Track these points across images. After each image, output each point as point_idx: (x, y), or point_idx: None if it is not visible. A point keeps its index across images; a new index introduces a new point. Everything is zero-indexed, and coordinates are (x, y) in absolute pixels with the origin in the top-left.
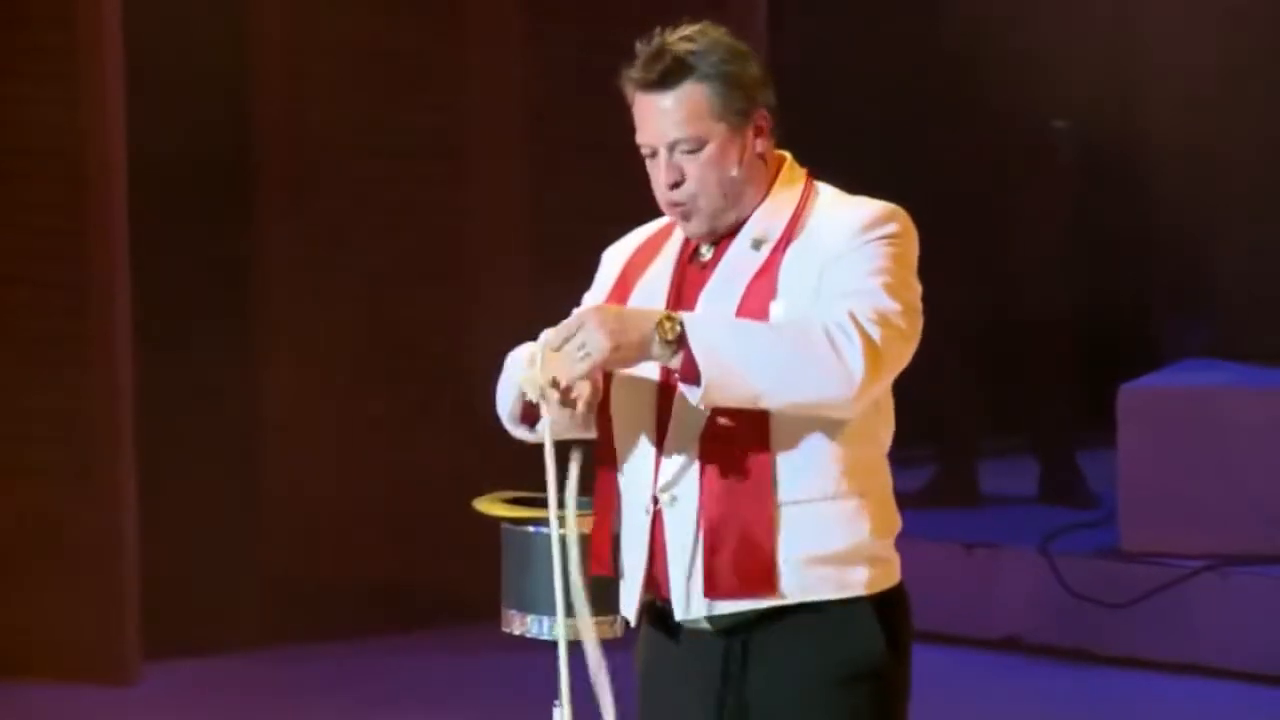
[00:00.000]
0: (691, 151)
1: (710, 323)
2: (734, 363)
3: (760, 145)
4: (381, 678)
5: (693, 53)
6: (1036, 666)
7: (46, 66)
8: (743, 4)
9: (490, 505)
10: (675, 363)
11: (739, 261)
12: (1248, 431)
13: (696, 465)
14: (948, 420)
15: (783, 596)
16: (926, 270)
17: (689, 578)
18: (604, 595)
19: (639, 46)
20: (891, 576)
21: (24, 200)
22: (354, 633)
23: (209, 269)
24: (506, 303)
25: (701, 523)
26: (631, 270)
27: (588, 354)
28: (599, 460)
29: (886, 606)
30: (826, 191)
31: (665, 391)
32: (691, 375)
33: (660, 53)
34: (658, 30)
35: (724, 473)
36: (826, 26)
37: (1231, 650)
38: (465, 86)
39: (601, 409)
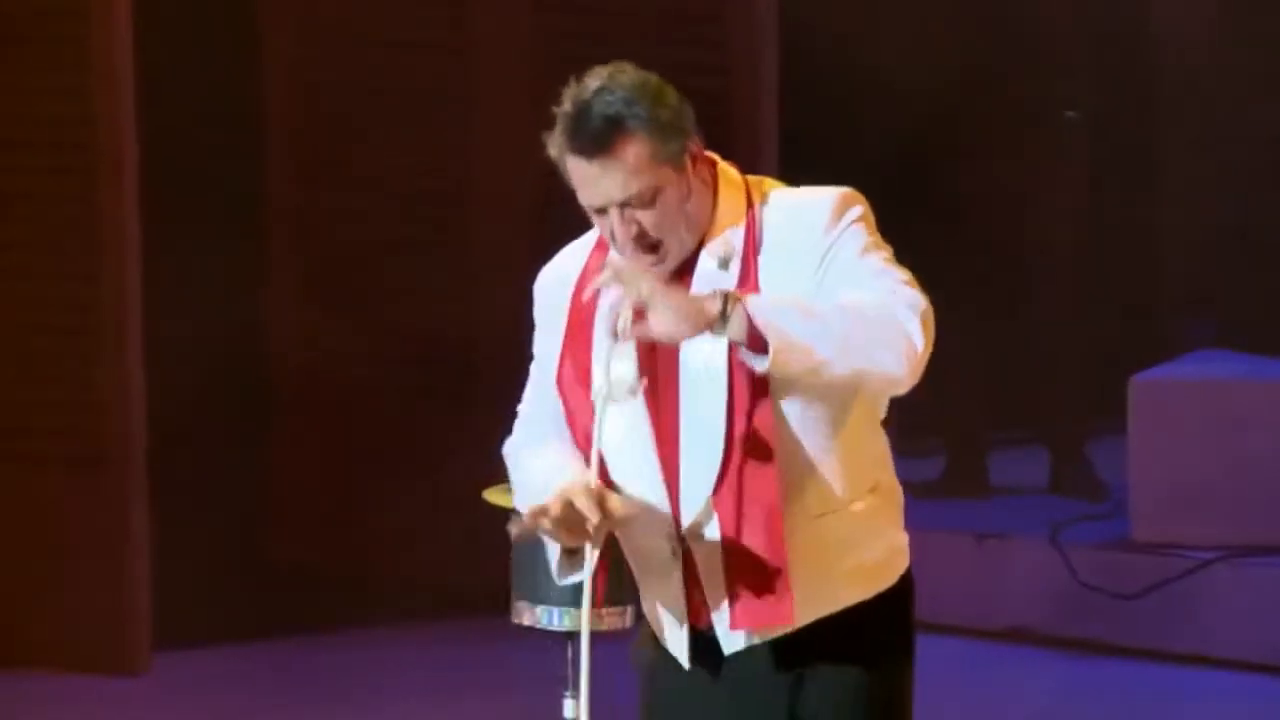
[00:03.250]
0: (645, 203)
1: (768, 301)
2: (797, 335)
3: (700, 170)
4: (391, 669)
5: (618, 106)
6: (1046, 657)
7: (58, 55)
8: None
9: (500, 496)
10: (735, 331)
11: (712, 284)
12: (1258, 423)
13: (715, 509)
14: (957, 411)
15: (820, 613)
16: (938, 260)
17: (732, 607)
18: (615, 587)
19: (555, 110)
20: (906, 558)
21: (33, 192)
22: (362, 624)
23: (219, 261)
24: (509, 299)
25: (729, 560)
26: (584, 309)
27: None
28: None
29: (905, 590)
30: (768, 187)
31: (667, 438)
32: (757, 345)
33: (584, 114)
34: (570, 83)
35: (744, 509)
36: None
37: (1242, 641)
38: (466, 79)
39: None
